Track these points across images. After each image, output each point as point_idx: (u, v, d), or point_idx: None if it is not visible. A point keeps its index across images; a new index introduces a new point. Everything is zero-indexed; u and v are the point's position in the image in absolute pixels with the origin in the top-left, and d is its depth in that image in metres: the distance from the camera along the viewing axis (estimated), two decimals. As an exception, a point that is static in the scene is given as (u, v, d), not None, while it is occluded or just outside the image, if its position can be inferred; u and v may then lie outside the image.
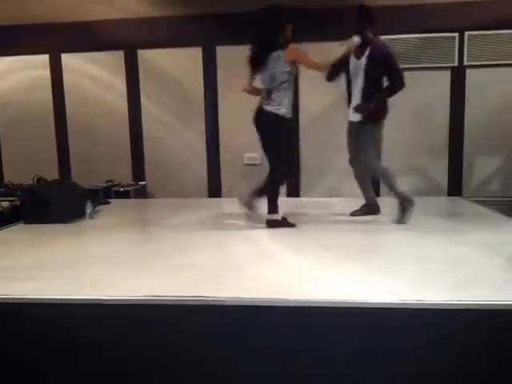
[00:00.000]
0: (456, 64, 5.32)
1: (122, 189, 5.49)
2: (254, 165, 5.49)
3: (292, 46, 3.44)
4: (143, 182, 5.85)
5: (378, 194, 4.50)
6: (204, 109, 5.74)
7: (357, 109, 3.73)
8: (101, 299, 2.15)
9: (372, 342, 1.99)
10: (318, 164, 5.60)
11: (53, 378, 2.17)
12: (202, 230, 3.61)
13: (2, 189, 5.41)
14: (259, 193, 3.62)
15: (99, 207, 4.41)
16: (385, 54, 3.67)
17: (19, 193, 4.58)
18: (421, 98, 5.31)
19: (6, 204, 4.37)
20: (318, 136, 5.52)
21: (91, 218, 4.05)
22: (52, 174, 5.60)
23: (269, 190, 3.57)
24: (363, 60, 3.67)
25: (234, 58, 5.48)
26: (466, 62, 5.31)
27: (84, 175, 5.61)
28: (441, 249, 2.96)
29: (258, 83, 3.61)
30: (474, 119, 5.40)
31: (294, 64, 3.48)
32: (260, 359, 2.04)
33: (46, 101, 5.94)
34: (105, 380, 2.14)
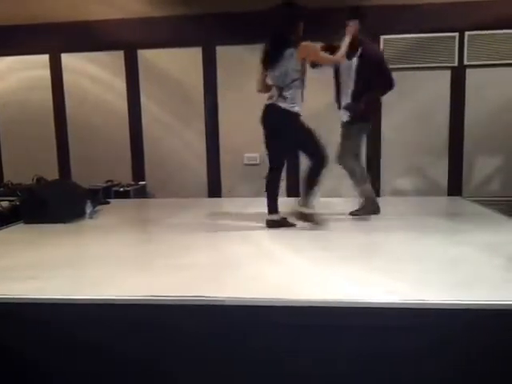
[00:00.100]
0: (456, 64, 5.32)
1: (121, 189, 5.49)
2: (254, 165, 5.49)
3: (303, 43, 3.41)
4: (143, 182, 5.85)
5: (378, 194, 4.50)
6: (204, 109, 5.73)
7: (347, 108, 3.75)
8: (101, 299, 2.15)
9: (372, 342, 1.99)
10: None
11: (53, 378, 2.17)
12: (202, 230, 3.61)
13: (1, 189, 5.40)
14: (306, 189, 3.55)
15: (99, 207, 4.41)
16: (376, 54, 3.73)
17: (19, 193, 4.57)
18: (421, 98, 5.31)
19: (5, 204, 4.37)
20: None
21: (91, 217, 4.05)
22: (52, 173, 5.61)
23: (273, 189, 3.56)
24: (354, 60, 3.69)
25: (233, 58, 5.52)
26: (466, 62, 5.31)
27: (84, 175, 5.60)
28: (441, 249, 2.96)
29: (269, 80, 3.58)
30: (474, 119, 5.40)
31: (304, 62, 3.47)
32: (260, 359, 2.04)
33: (46, 101, 5.94)
34: (105, 380, 2.14)
